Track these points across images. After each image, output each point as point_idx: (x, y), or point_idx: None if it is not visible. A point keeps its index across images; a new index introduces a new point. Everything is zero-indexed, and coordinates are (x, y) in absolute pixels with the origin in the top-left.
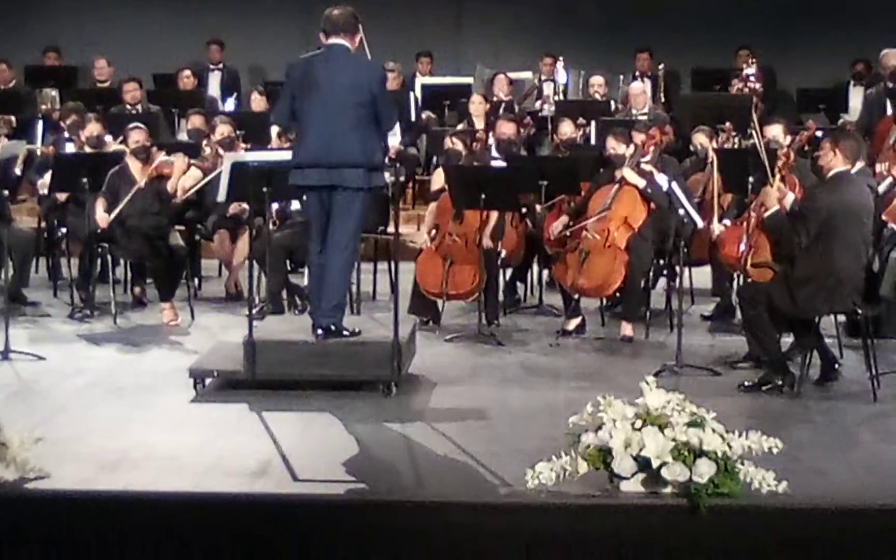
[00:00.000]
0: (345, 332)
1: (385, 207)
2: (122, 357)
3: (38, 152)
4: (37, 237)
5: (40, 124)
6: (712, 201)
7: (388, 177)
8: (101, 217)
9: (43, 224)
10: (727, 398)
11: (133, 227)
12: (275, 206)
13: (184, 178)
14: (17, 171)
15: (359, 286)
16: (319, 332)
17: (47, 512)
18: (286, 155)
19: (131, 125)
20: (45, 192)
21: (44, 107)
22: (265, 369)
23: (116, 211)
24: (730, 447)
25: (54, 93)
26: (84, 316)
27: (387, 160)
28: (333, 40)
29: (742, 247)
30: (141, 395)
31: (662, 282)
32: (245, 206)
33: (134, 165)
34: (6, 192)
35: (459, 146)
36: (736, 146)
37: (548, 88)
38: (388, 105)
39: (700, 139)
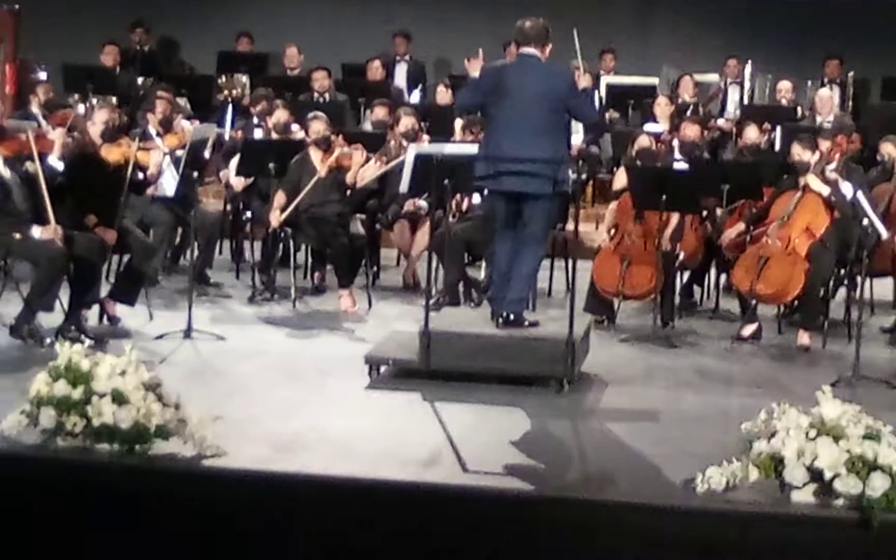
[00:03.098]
0: (526, 323)
1: (565, 205)
2: (299, 341)
3: (227, 137)
4: (222, 220)
5: (230, 109)
6: None
7: (570, 175)
8: (274, 216)
9: (228, 207)
10: None
11: (315, 214)
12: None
13: (363, 170)
14: (207, 154)
15: (535, 283)
16: (501, 320)
17: (223, 490)
18: (469, 148)
19: (311, 115)
20: (231, 178)
21: (235, 92)
22: (440, 360)
23: (295, 202)
24: None
25: (245, 79)
26: (264, 299)
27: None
28: (525, 50)
29: None
30: (316, 379)
31: (842, 291)
32: (422, 203)
33: (315, 155)
34: (195, 174)
35: (653, 145)
36: None
37: (733, 92)
38: (584, 103)
39: (888, 149)
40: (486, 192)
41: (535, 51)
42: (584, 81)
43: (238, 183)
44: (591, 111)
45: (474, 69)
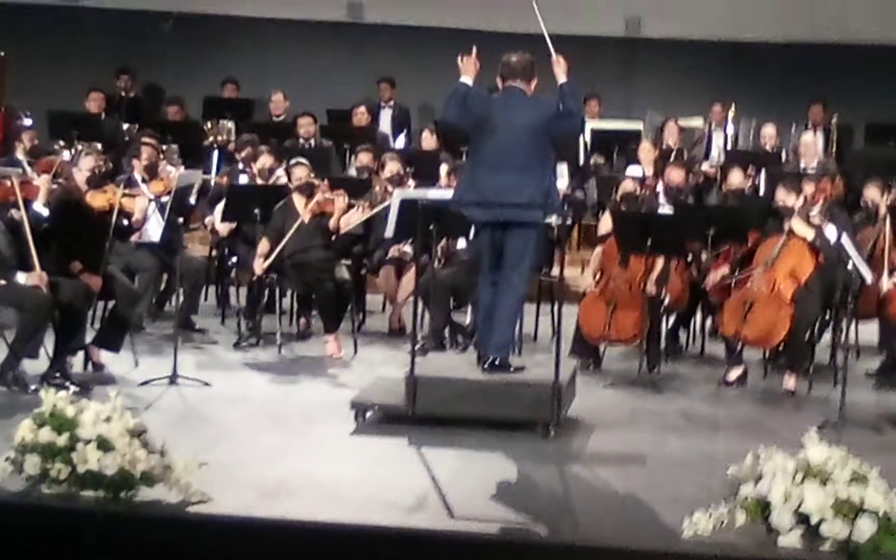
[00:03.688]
0: (511, 367)
1: (550, 250)
2: (284, 387)
3: (213, 183)
4: (208, 265)
5: (216, 155)
6: (882, 256)
7: (554, 220)
8: (258, 264)
9: (213, 253)
10: (891, 456)
11: (299, 260)
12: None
13: (348, 215)
14: (192, 200)
15: (521, 327)
16: (486, 365)
17: (208, 536)
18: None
19: (294, 161)
20: (217, 223)
21: (220, 138)
22: (426, 405)
23: (279, 248)
24: (892, 506)
25: (230, 125)
26: (250, 345)
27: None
28: (511, 84)
29: None
30: (302, 425)
31: (828, 335)
32: (406, 249)
33: (298, 201)
34: (181, 220)
35: (637, 190)
36: None
37: (717, 137)
38: (567, 122)
39: (871, 193)
40: (471, 236)
41: (520, 85)
42: (561, 67)
43: (223, 228)
44: (574, 126)
45: (467, 69)
